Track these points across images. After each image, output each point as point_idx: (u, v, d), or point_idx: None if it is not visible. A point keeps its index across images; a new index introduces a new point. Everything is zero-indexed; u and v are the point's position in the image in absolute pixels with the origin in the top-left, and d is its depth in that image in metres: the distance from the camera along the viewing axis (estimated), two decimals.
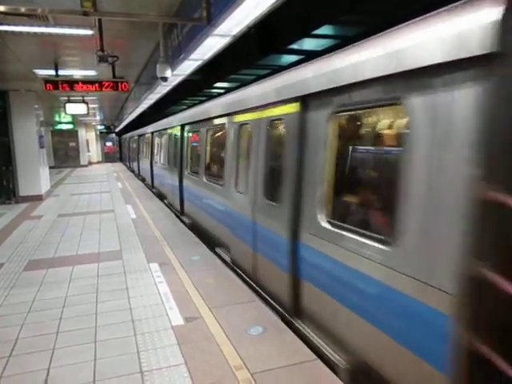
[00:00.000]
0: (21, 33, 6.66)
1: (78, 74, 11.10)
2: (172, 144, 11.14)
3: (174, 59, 7.22)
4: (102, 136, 40.91)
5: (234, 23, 4.66)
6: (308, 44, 7.31)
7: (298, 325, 3.94)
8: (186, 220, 9.23)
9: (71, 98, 12.87)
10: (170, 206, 11.57)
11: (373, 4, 5.13)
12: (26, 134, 12.50)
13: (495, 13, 1.91)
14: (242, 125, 5.68)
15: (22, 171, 12.57)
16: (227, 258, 6.09)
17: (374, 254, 2.83)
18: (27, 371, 3.25)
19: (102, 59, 7.02)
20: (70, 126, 29.34)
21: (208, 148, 7.93)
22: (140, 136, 20.84)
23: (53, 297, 4.80)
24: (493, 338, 1.97)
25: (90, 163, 33.38)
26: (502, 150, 1.93)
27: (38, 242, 7.50)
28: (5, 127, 12.24)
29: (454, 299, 2.17)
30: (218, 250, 6.60)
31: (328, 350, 3.43)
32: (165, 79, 6.86)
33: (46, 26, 6.26)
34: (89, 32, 6.83)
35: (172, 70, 6.95)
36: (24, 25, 6.16)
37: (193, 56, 6.25)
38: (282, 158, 4.32)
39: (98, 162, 36.87)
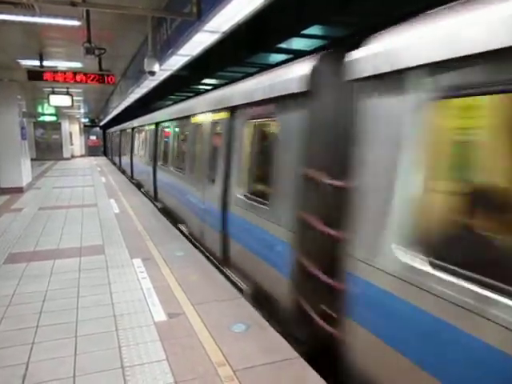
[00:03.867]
0: (5, 21, 6.51)
1: (63, 65, 10.92)
2: (148, 139, 12.79)
3: (162, 54, 7.16)
4: (86, 129, 40.32)
5: (224, 20, 4.65)
6: (297, 44, 7.33)
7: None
8: (159, 205, 10.68)
9: (55, 90, 12.69)
10: (146, 193, 13.07)
11: (362, 5, 5.17)
12: (8, 125, 12.22)
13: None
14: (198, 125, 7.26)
15: (2, 162, 12.26)
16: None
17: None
18: (5, 365, 3.20)
19: (88, 51, 6.90)
20: (53, 118, 28.76)
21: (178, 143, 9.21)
22: (122, 131, 22.15)
23: (33, 290, 4.72)
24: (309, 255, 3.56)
25: (73, 156, 32.78)
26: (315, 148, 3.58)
27: (19, 234, 7.37)
28: None
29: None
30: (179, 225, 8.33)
31: (239, 281, 5.10)
32: (152, 73, 6.81)
33: (32, 15, 6.13)
34: (76, 23, 6.71)
35: (160, 65, 6.89)
36: (9, 13, 6.02)
37: (181, 51, 6.21)
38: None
39: (81, 156, 36.21)
